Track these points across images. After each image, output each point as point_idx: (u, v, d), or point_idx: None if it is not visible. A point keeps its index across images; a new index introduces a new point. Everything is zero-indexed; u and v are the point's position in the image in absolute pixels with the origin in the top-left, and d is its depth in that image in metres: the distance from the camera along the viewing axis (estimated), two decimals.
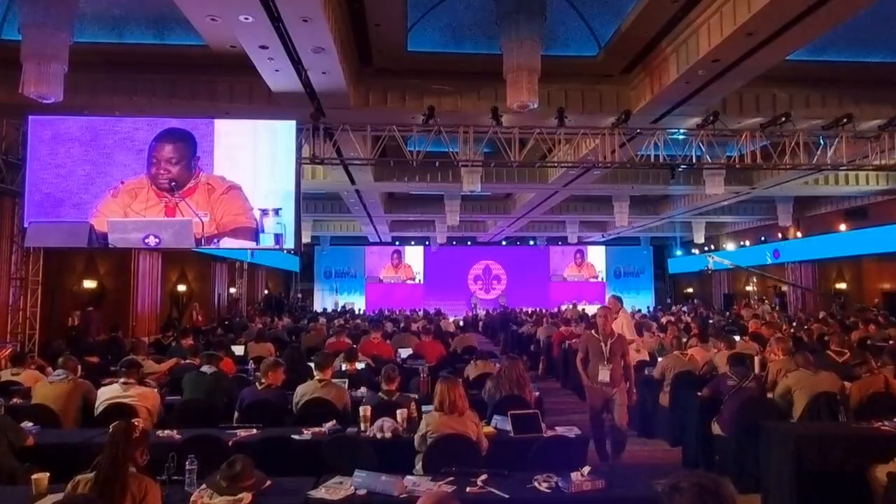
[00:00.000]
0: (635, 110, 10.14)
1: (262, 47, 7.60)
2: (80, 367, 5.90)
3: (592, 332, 6.27)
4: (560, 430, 4.66)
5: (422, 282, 29.77)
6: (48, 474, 3.20)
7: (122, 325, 12.63)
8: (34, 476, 3.18)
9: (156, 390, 5.51)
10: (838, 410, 5.29)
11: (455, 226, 20.17)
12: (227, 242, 9.37)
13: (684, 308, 22.91)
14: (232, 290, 21.64)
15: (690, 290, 29.80)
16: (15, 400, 5.67)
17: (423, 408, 4.62)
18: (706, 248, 25.40)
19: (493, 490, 3.32)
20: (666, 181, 14.99)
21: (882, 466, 4.24)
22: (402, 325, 14.38)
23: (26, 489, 3.21)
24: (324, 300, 28.77)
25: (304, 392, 5.24)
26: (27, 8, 7.08)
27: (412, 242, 28.97)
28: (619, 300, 8.21)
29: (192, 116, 9.83)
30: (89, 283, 13.76)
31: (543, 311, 21.17)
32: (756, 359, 7.45)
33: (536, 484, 3.37)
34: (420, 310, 23.05)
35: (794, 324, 13.74)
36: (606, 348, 5.89)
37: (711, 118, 9.94)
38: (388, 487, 3.24)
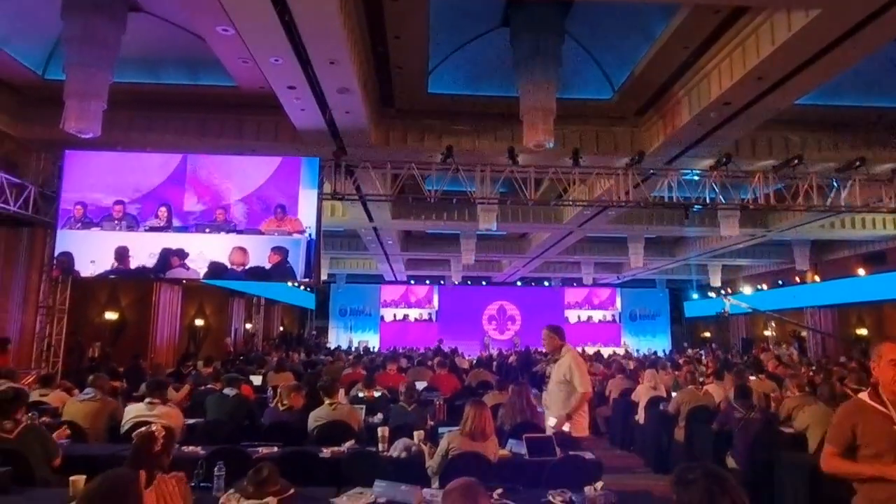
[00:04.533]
0: (649, 151, 10.38)
1: (290, 87, 8.00)
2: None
3: (865, 397, 2.88)
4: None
5: (435, 320, 29.81)
6: (85, 476, 3.33)
7: (141, 357, 12.82)
8: (72, 478, 3.32)
9: (179, 411, 5.65)
10: None
11: (470, 265, 20.33)
12: None
13: (701, 351, 22.64)
14: (248, 325, 21.84)
15: (707, 334, 29.47)
16: (43, 419, 5.81)
17: (440, 429, 4.72)
18: (723, 292, 25.22)
19: (508, 503, 3.40)
20: (680, 222, 15.12)
21: None
22: (416, 361, 14.41)
23: (64, 492, 3.35)
24: (338, 338, 28.82)
25: (317, 416, 5.36)
26: (73, 49, 7.54)
27: (427, 281, 29.13)
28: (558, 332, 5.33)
29: (221, 153, 10.27)
30: (111, 315, 14.07)
31: None
32: (773, 396, 7.45)
33: (551, 498, 3.46)
34: (434, 347, 22.93)
35: (814, 367, 13.55)
36: None
37: (724, 160, 10.12)
38: (407, 497, 3.35)
